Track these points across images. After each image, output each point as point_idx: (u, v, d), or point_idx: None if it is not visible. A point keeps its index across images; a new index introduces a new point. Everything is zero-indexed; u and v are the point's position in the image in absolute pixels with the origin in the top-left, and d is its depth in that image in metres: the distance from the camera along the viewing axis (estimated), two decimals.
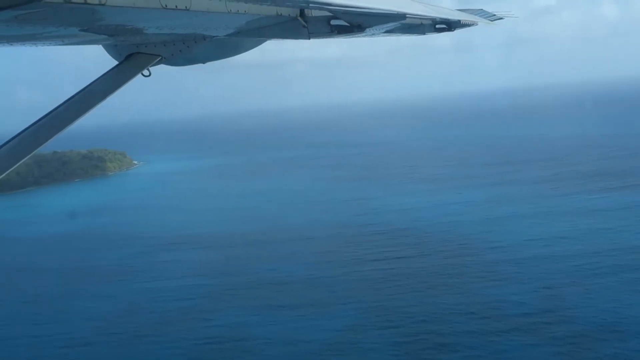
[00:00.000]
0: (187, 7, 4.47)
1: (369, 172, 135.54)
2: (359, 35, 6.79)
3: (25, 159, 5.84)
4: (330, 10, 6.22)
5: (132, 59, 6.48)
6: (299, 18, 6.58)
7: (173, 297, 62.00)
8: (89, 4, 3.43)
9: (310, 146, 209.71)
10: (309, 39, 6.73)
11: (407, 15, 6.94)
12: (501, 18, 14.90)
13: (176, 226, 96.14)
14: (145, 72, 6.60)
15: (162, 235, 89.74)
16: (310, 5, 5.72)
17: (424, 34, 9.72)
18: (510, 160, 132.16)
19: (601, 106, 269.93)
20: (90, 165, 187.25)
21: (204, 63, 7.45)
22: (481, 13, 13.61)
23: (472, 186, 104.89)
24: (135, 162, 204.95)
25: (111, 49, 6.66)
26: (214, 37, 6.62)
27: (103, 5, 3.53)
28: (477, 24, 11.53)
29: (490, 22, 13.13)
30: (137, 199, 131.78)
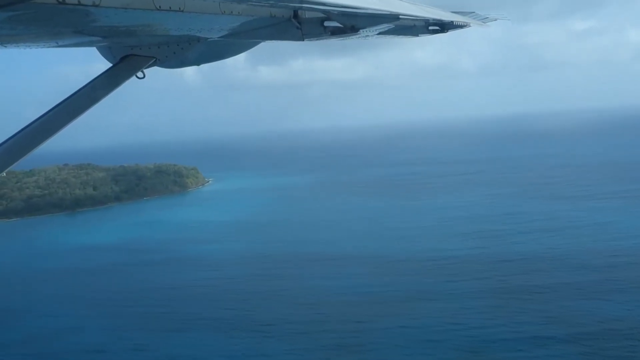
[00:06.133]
0: (181, 9, 4.37)
1: (527, 189, 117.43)
2: (353, 36, 6.46)
3: (16, 163, 5.53)
4: (323, 11, 5.99)
5: (126, 60, 6.22)
6: (293, 19, 6.21)
7: None
8: (82, 5, 3.33)
9: (401, 164, 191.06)
10: (303, 40, 6.35)
11: (400, 16, 6.43)
12: (494, 20, 14.26)
13: (392, 248, 79.88)
14: (140, 74, 6.34)
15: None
16: (304, 5, 5.52)
17: (417, 35, 8.96)
18: None
19: None
20: (168, 181, 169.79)
21: (198, 65, 7.06)
22: (473, 15, 12.91)
23: None
24: (207, 178, 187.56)
25: (105, 51, 6.38)
26: (207, 38, 6.31)
27: (97, 6, 3.43)
28: (469, 26, 10.50)
29: (482, 23, 12.28)
30: (272, 214, 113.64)
